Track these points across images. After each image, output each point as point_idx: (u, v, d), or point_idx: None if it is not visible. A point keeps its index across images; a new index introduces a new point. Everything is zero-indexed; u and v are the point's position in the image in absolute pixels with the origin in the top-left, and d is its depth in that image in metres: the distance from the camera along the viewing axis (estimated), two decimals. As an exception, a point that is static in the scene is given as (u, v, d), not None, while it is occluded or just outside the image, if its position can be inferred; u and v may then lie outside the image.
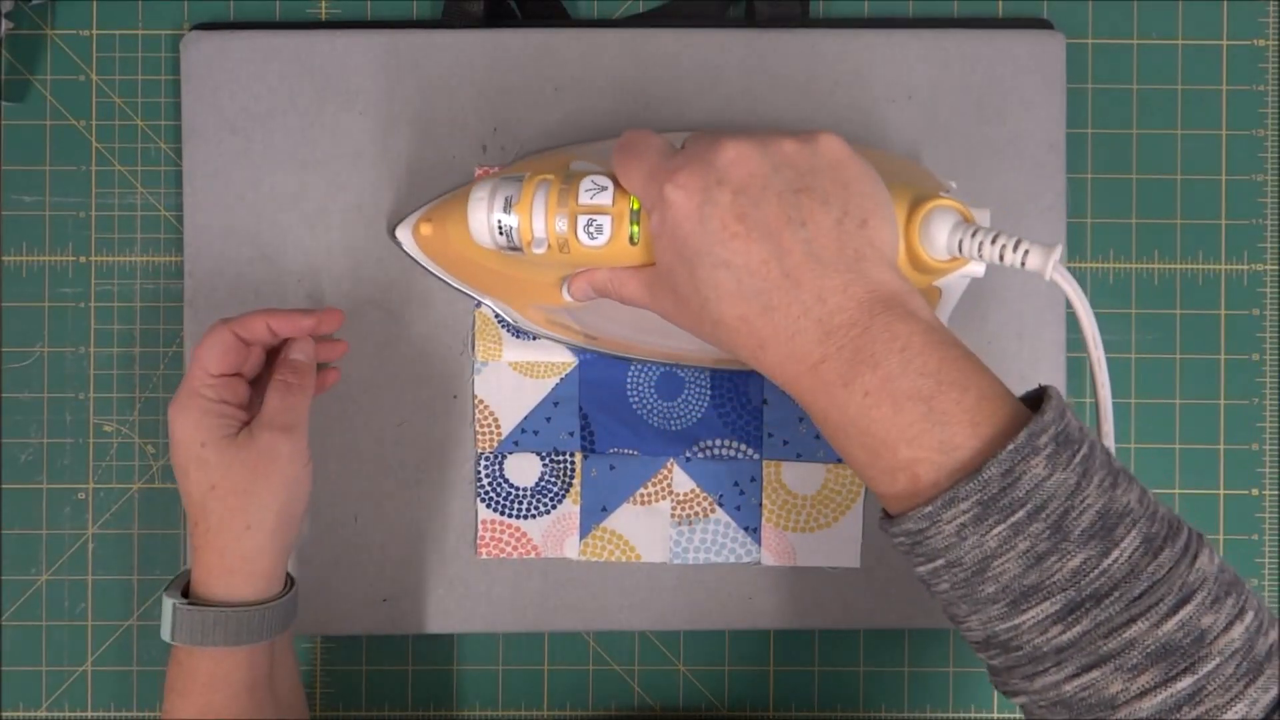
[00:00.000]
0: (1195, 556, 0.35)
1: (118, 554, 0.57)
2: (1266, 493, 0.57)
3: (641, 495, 0.55)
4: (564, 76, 0.55)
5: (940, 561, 0.37)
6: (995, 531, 0.35)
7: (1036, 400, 0.39)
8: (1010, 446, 0.35)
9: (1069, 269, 0.56)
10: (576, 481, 0.55)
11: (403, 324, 0.55)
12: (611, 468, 0.55)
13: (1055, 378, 0.55)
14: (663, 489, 0.55)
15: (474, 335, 0.55)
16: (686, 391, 0.55)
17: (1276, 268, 0.58)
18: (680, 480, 0.55)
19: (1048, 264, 0.39)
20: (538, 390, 0.55)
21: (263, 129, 0.55)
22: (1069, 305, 0.40)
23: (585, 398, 0.55)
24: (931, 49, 0.55)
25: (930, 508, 0.36)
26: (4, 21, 0.56)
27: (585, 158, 0.48)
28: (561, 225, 0.43)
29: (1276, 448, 0.58)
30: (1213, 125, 0.58)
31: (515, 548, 0.55)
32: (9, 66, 0.57)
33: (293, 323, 0.49)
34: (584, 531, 0.55)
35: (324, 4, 0.58)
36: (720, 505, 0.55)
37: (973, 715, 0.57)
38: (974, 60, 0.55)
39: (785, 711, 0.57)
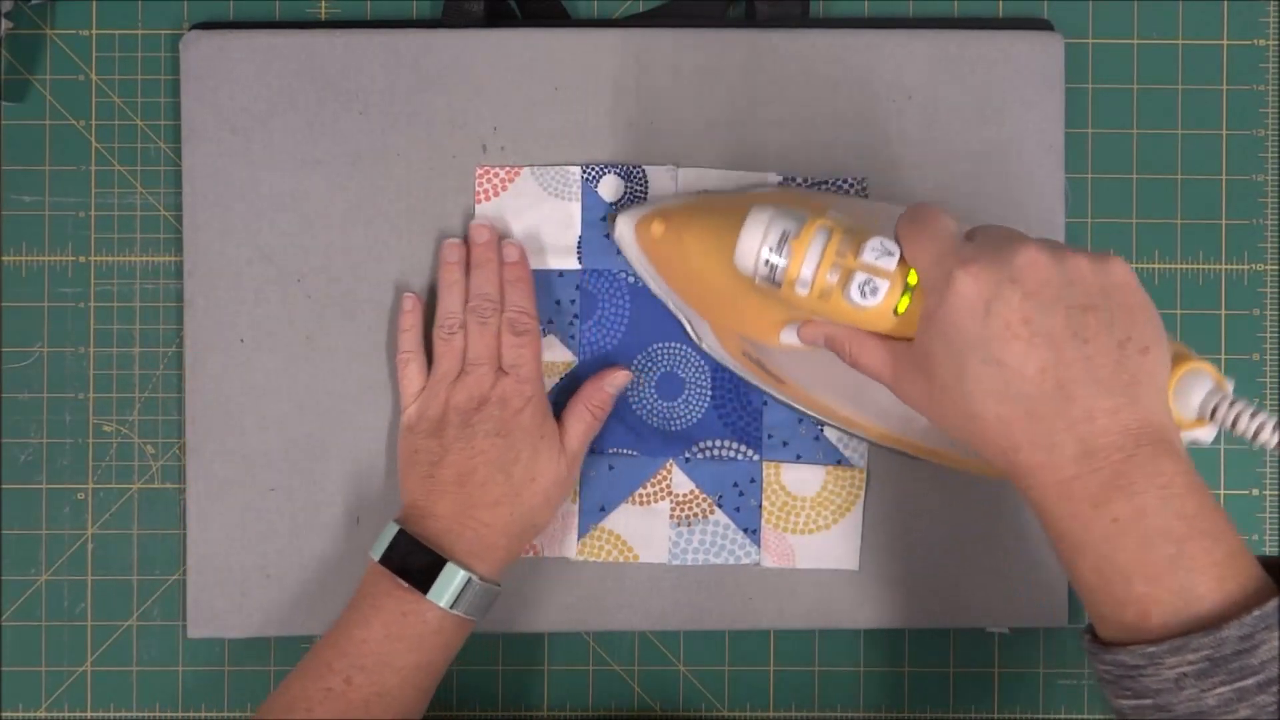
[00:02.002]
0: None
1: (117, 554, 0.57)
2: (1266, 493, 0.57)
3: (640, 495, 0.55)
4: (564, 76, 0.55)
5: (1148, 702, 0.36)
6: (1218, 692, 0.35)
7: (1275, 566, 0.38)
8: (1257, 612, 0.34)
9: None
10: (576, 481, 0.55)
11: (402, 324, 0.55)
12: (610, 468, 0.55)
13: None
14: (662, 489, 0.55)
15: (474, 335, 0.55)
16: (686, 392, 0.55)
17: (1276, 268, 0.58)
18: (679, 481, 0.55)
19: None
20: (538, 390, 0.55)
21: (263, 129, 0.55)
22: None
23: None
24: (931, 49, 0.55)
25: (1154, 649, 0.35)
26: (4, 21, 0.56)
27: (840, 210, 0.47)
28: (834, 276, 0.43)
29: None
30: (1213, 125, 0.58)
31: (515, 548, 0.55)
32: (9, 66, 0.57)
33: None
34: (582, 531, 0.55)
35: (324, 4, 0.58)
36: (719, 506, 0.55)
37: (973, 715, 0.57)
38: (974, 60, 0.55)
39: (785, 711, 0.57)
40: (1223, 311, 0.58)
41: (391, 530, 0.48)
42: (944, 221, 0.42)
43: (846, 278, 0.42)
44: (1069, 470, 0.38)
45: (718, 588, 0.55)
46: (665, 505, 0.55)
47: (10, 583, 0.57)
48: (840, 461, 0.55)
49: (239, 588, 0.55)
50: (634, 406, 0.55)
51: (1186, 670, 0.35)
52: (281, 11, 0.58)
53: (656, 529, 0.55)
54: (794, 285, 0.43)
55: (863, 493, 0.55)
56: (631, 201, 0.54)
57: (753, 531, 0.55)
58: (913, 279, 0.42)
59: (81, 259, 0.57)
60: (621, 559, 0.55)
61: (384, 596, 0.48)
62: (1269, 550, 0.57)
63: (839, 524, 0.55)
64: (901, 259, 0.42)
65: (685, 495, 0.55)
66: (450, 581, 0.47)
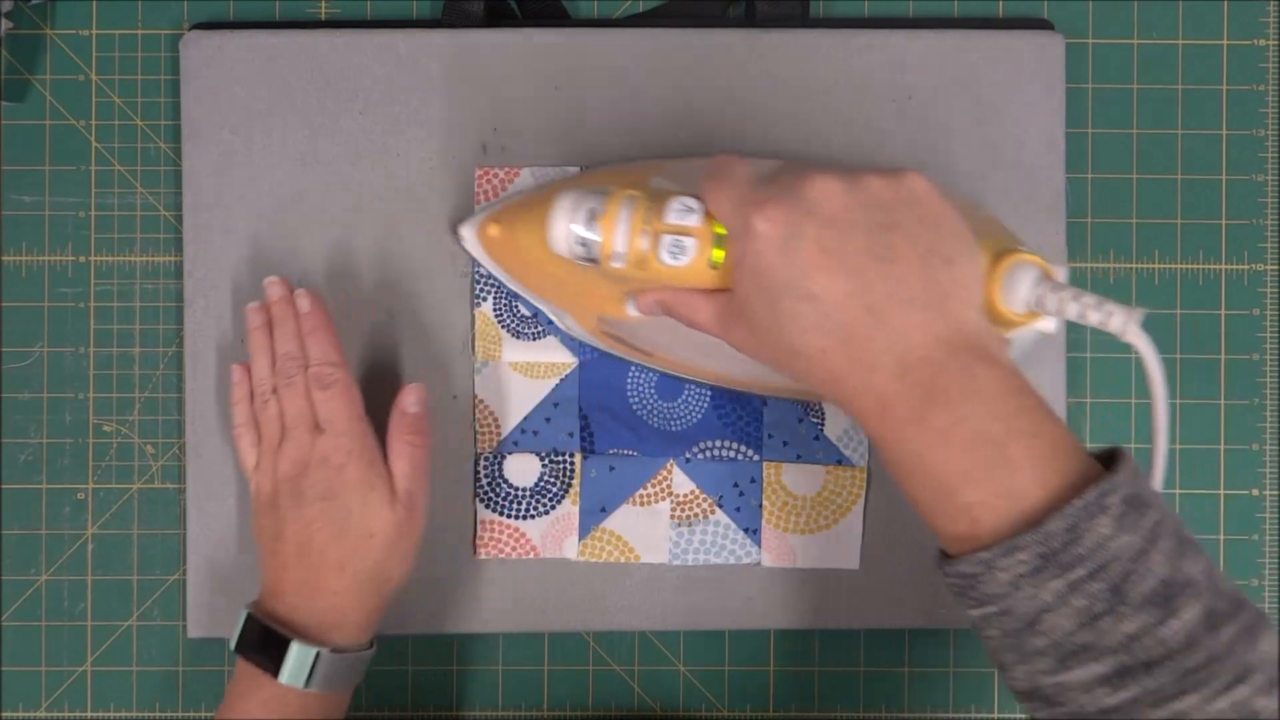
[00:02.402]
0: (1257, 637, 0.34)
1: (117, 554, 0.57)
2: (1267, 493, 0.57)
3: (641, 496, 0.55)
4: (564, 76, 0.55)
5: (992, 609, 0.36)
6: (1051, 586, 0.35)
7: (1108, 457, 0.38)
8: (1078, 502, 0.34)
9: (1069, 269, 0.56)
10: (576, 482, 0.55)
11: (403, 324, 0.55)
12: (611, 468, 0.55)
13: (1055, 378, 0.55)
14: (662, 490, 0.55)
15: (474, 335, 0.55)
16: (686, 392, 0.55)
17: (1276, 268, 0.58)
18: (680, 481, 0.55)
19: (1129, 325, 0.39)
20: (537, 391, 0.55)
21: (263, 129, 0.55)
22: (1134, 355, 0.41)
23: (585, 398, 0.55)
24: (931, 49, 0.55)
25: (987, 554, 0.35)
26: (4, 21, 0.56)
27: (664, 175, 0.48)
28: (644, 243, 0.43)
29: (1276, 448, 0.57)
30: (1213, 125, 0.58)
31: (514, 548, 0.55)
32: (9, 66, 0.57)
33: (329, 331, 0.51)
34: (583, 532, 0.55)
35: (324, 4, 0.58)
36: (720, 506, 0.55)
37: (973, 715, 0.57)
38: (974, 60, 0.55)
39: (785, 711, 0.57)
40: (1223, 311, 0.58)
41: (242, 616, 0.48)
42: (740, 169, 0.42)
43: (656, 241, 0.43)
44: (888, 389, 0.38)
45: (718, 588, 0.55)
46: (666, 505, 0.55)
47: (10, 583, 0.57)
48: (840, 461, 0.55)
49: (239, 588, 0.55)
50: (634, 407, 0.55)
51: (1021, 571, 0.35)
52: (281, 11, 0.58)
53: (657, 529, 0.55)
54: (609, 260, 0.44)
55: (863, 493, 0.55)
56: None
57: (753, 531, 0.55)
58: (721, 230, 0.42)
59: (81, 259, 0.57)
60: (622, 560, 0.55)
61: (246, 682, 0.47)
62: (1269, 553, 0.57)
63: (839, 524, 0.55)
64: (708, 214, 0.43)
65: (686, 495, 0.55)
66: (300, 661, 0.46)
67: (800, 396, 0.54)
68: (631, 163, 0.54)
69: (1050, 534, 0.34)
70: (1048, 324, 0.42)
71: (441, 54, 0.55)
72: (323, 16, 0.58)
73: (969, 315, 0.38)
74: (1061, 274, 0.43)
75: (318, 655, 0.46)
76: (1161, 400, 0.40)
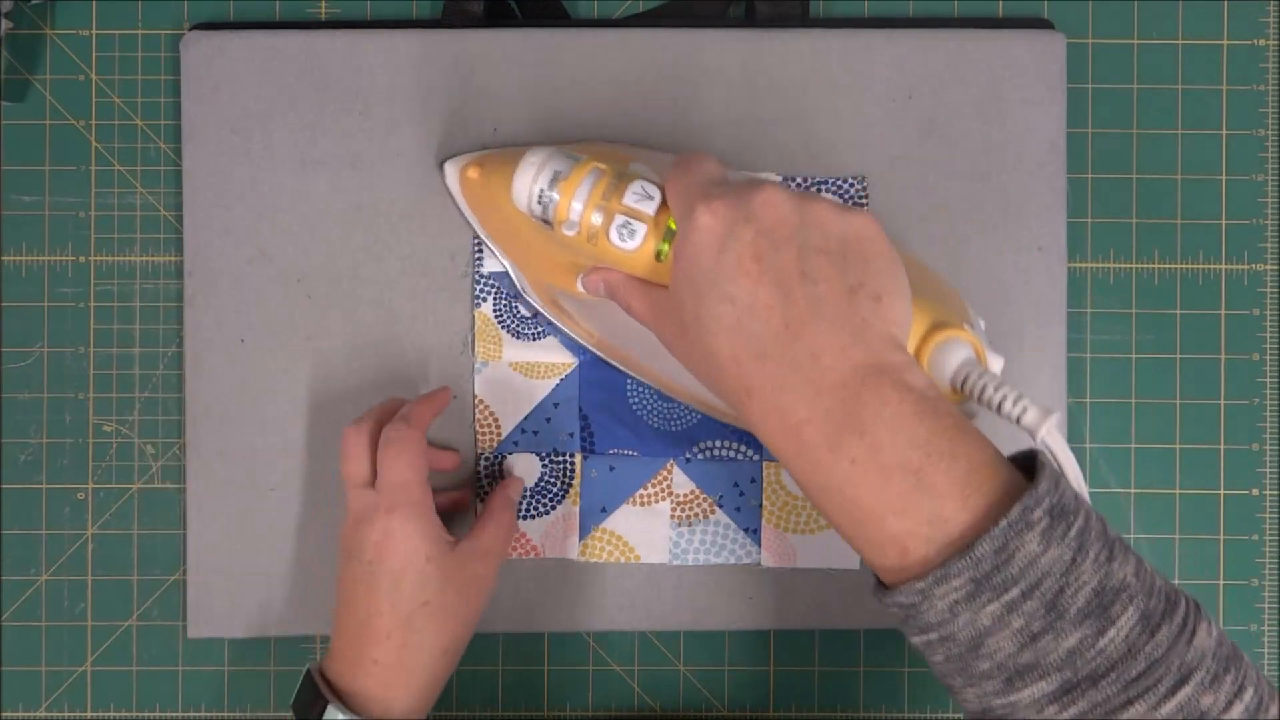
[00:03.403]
0: (1194, 632, 0.34)
1: (117, 554, 0.57)
2: (1266, 493, 0.57)
3: (641, 496, 0.55)
4: (564, 76, 0.55)
5: (934, 635, 0.36)
6: (988, 610, 0.34)
7: (1028, 461, 0.38)
8: (1003, 522, 0.34)
9: (1070, 269, 0.56)
10: (576, 482, 0.55)
11: (403, 324, 0.55)
12: (611, 468, 0.55)
13: (1055, 377, 0.55)
14: (662, 490, 0.55)
15: (474, 336, 0.55)
16: (686, 392, 0.55)
17: (1276, 268, 0.58)
18: (680, 481, 0.55)
19: (1041, 428, 0.38)
20: (538, 391, 0.55)
21: (263, 129, 0.55)
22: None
23: (585, 398, 0.55)
24: (931, 49, 0.55)
25: (921, 584, 0.35)
26: (4, 21, 0.56)
27: (647, 163, 0.48)
28: (598, 218, 0.44)
29: (1276, 448, 0.58)
30: (1213, 125, 0.58)
31: (515, 548, 0.55)
32: (9, 66, 0.57)
33: (434, 403, 0.51)
34: (584, 532, 0.55)
35: (324, 4, 0.58)
36: (720, 506, 0.55)
37: (973, 715, 0.57)
38: (974, 60, 0.55)
39: (785, 711, 0.57)
40: (1223, 311, 0.58)
41: (303, 672, 0.47)
42: (706, 166, 0.42)
43: (610, 220, 0.43)
44: (800, 413, 0.37)
45: (718, 588, 0.55)
46: (666, 506, 0.55)
47: (10, 583, 0.57)
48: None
49: (239, 588, 0.55)
50: (634, 407, 0.55)
51: (955, 597, 0.35)
52: (281, 11, 0.58)
53: (657, 529, 0.55)
54: (562, 226, 0.44)
55: (863, 493, 0.55)
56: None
57: (753, 531, 0.55)
58: (674, 225, 0.42)
59: (81, 259, 0.57)
60: (623, 560, 0.55)
61: None
62: (1269, 553, 0.57)
63: (839, 524, 0.55)
64: (664, 204, 0.43)
65: (686, 495, 0.55)
66: None
67: (727, 420, 0.54)
68: (619, 143, 0.54)
69: (980, 558, 0.34)
70: (966, 408, 0.42)
71: (441, 54, 0.55)
72: (323, 16, 0.58)
73: (889, 347, 0.38)
74: (996, 362, 0.43)
75: None
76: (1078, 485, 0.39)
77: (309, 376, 0.55)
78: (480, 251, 0.55)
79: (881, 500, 0.36)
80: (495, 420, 0.55)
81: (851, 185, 0.55)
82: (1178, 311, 0.58)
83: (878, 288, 0.38)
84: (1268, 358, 0.58)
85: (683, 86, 0.55)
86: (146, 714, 0.57)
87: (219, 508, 0.55)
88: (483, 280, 0.55)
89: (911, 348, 0.41)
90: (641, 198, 0.43)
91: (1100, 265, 0.58)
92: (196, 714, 0.57)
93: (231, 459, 0.55)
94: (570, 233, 0.44)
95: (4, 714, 0.56)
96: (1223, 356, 0.58)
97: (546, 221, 0.45)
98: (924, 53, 0.55)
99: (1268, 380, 0.58)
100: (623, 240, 0.43)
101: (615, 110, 0.55)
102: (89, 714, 0.57)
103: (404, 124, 0.55)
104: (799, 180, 0.55)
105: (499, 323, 0.55)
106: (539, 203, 0.45)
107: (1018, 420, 0.39)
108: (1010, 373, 0.55)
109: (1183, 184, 0.58)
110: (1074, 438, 0.57)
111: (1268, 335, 0.58)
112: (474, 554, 0.48)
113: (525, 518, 0.55)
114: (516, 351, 0.55)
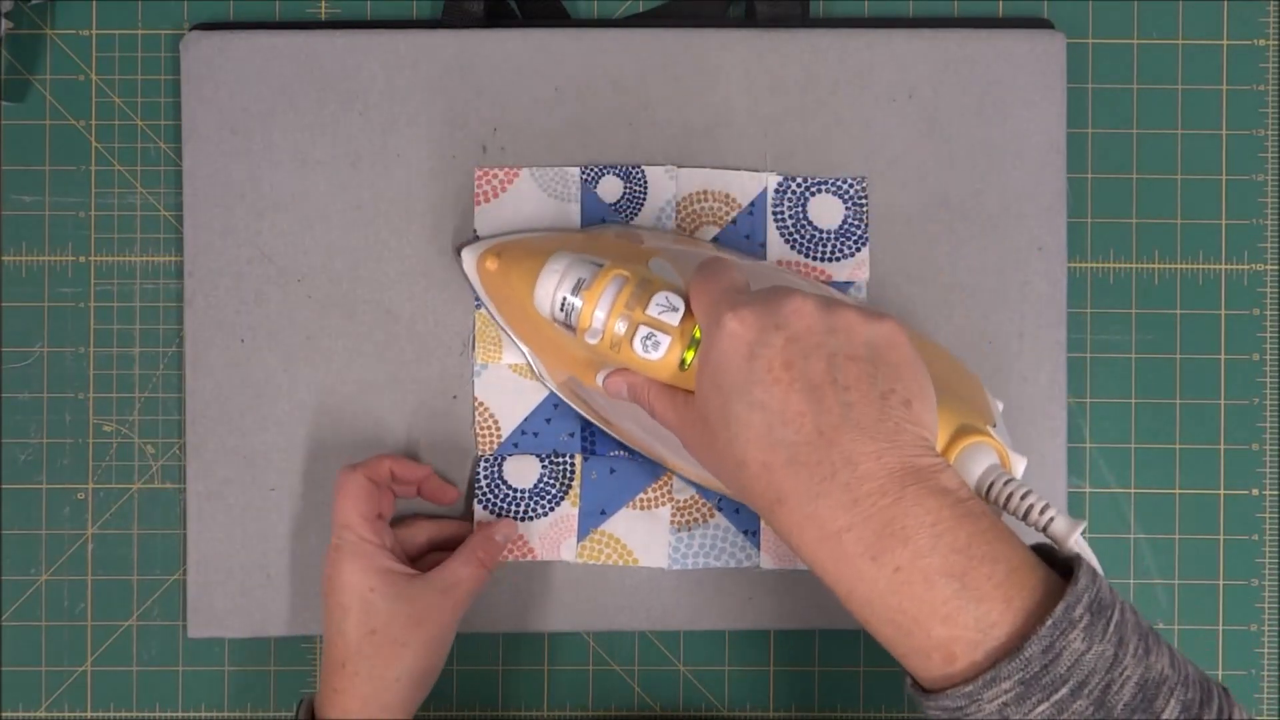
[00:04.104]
0: (1231, 718, 0.35)
1: (117, 554, 0.57)
2: (1266, 493, 0.57)
3: (641, 500, 0.55)
4: (564, 76, 0.55)
5: None
6: (1038, 710, 0.34)
7: (1048, 554, 0.38)
8: (1049, 621, 0.34)
9: (1070, 269, 0.56)
10: (576, 484, 0.55)
11: (403, 324, 0.55)
12: (612, 471, 0.55)
13: (1056, 378, 0.55)
14: (663, 494, 0.55)
15: (474, 337, 0.55)
16: (686, 392, 0.55)
17: (1276, 268, 0.58)
18: (680, 486, 0.55)
19: (1070, 537, 0.39)
20: (538, 392, 0.55)
21: (263, 129, 0.55)
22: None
23: (585, 398, 0.55)
24: (931, 49, 0.55)
25: (970, 687, 0.35)
26: (4, 21, 0.56)
27: (665, 258, 0.48)
28: (621, 327, 0.44)
29: (1276, 448, 0.58)
30: (1213, 125, 0.58)
31: (512, 550, 0.55)
32: (9, 66, 0.57)
33: (410, 471, 0.52)
34: (582, 534, 0.55)
35: (324, 4, 0.58)
36: (719, 510, 0.55)
37: (972, 715, 0.57)
38: (974, 60, 0.55)
39: (785, 711, 0.57)
40: (1223, 311, 0.58)
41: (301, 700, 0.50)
42: (730, 274, 0.42)
43: (634, 329, 0.43)
44: (839, 521, 0.37)
45: (718, 588, 0.55)
46: (666, 510, 0.55)
47: (10, 583, 0.57)
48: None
49: (239, 588, 0.55)
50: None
51: (1005, 699, 0.35)
52: (281, 11, 0.58)
53: (656, 533, 0.55)
54: (585, 334, 0.44)
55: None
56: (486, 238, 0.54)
57: (752, 533, 0.55)
58: (699, 334, 0.42)
59: (81, 259, 0.57)
60: (621, 563, 0.55)
61: None
62: (1269, 554, 0.57)
63: (839, 524, 0.55)
64: (689, 313, 0.43)
65: (686, 501, 0.55)
66: None
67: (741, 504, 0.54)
68: (639, 232, 0.53)
69: (1029, 660, 0.34)
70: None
71: (441, 54, 0.55)
72: (323, 16, 0.58)
73: (922, 450, 0.38)
74: (1020, 465, 0.43)
75: None
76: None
77: (309, 376, 0.55)
78: (480, 251, 0.55)
79: (927, 607, 0.36)
80: (495, 422, 0.55)
81: (851, 185, 0.55)
82: (1178, 311, 0.58)
83: (907, 393, 0.38)
84: (1268, 358, 0.58)
85: (683, 86, 0.55)
86: (146, 714, 0.57)
87: (219, 508, 0.55)
88: (483, 280, 0.55)
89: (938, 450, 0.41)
90: (666, 309, 0.43)
91: (1100, 265, 0.58)
92: (196, 714, 0.57)
93: (231, 459, 0.55)
94: (594, 340, 0.44)
95: (4, 714, 0.56)
96: (1223, 356, 0.58)
97: (569, 327, 0.45)
98: (924, 53, 0.55)
99: (1268, 380, 0.58)
100: (647, 351, 0.43)
101: (615, 110, 0.55)
102: (89, 714, 0.57)
103: (404, 124, 0.55)
104: (799, 180, 0.55)
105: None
106: (561, 310, 0.45)
107: (1044, 529, 0.39)
108: (1011, 371, 0.55)
109: (1183, 184, 0.58)
110: (1074, 438, 0.57)
111: (1268, 335, 0.58)
112: (434, 587, 0.49)
113: (522, 519, 0.55)
114: (516, 353, 0.55)
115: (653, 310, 0.43)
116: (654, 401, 0.45)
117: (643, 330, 0.43)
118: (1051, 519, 0.39)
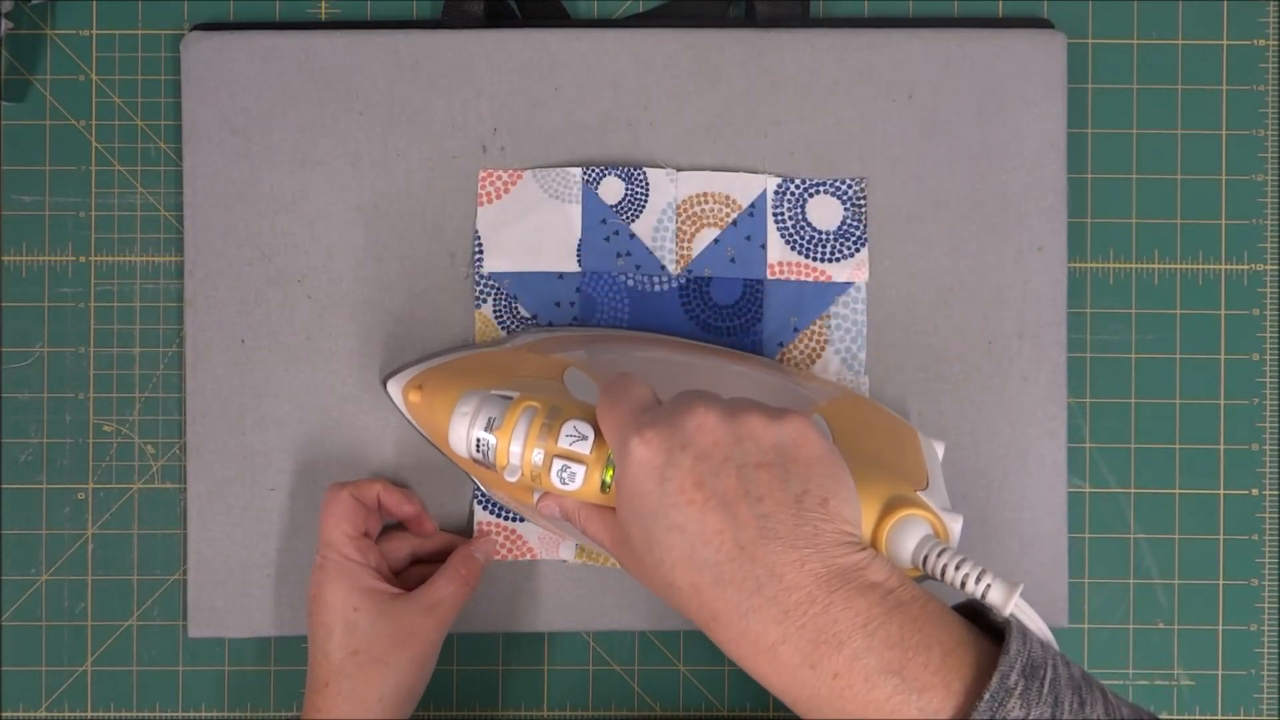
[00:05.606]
0: None
1: (118, 554, 0.57)
2: (1266, 493, 0.57)
3: (641, 496, 0.55)
4: (564, 76, 0.55)
5: None
6: None
7: (971, 612, 0.38)
8: (986, 696, 0.34)
9: (1070, 269, 0.56)
10: (576, 482, 0.55)
11: (403, 324, 0.55)
12: (611, 468, 0.55)
13: (1055, 378, 0.55)
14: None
15: (474, 337, 0.55)
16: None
17: (1276, 268, 0.58)
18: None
19: (1008, 602, 0.38)
20: (537, 391, 0.55)
21: (263, 129, 0.55)
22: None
23: (585, 398, 0.55)
24: (931, 49, 0.55)
25: None
26: (4, 21, 0.56)
27: (579, 369, 0.48)
28: (539, 457, 0.43)
29: (1276, 448, 0.58)
30: (1213, 125, 0.58)
31: (510, 550, 0.55)
32: (9, 66, 0.57)
33: (399, 505, 0.53)
34: (584, 532, 0.55)
35: (324, 4, 0.58)
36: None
37: (972, 715, 0.57)
38: (974, 60, 0.55)
39: (785, 712, 0.57)
40: (1223, 311, 0.58)
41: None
42: (635, 391, 0.42)
43: (549, 461, 0.43)
44: (772, 635, 0.36)
45: (718, 588, 0.55)
46: (665, 505, 0.55)
47: (10, 583, 0.57)
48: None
49: (239, 588, 0.55)
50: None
51: None
52: (281, 11, 0.58)
53: (656, 529, 0.55)
54: (505, 472, 0.44)
55: (863, 493, 0.55)
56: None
57: (753, 532, 0.55)
58: (611, 454, 0.42)
59: (81, 259, 0.57)
60: (618, 564, 0.55)
61: None
62: (1269, 553, 0.57)
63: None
64: (599, 439, 0.43)
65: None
66: None
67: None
68: (557, 337, 0.53)
69: None
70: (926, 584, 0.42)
71: (441, 54, 0.55)
72: (323, 17, 0.58)
73: (843, 549, 0.38)
74: (955, 523, 0.43)
75: None
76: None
77: (309, 376, 0.55)
78: (481, 252, 0.55)
79: (871, 707, 0.36)
80: (495, 420, 0.55)
81: (850, 186, 0.55)
82: (1178, 311, 0.58)
83: (823, 491, 0.38)
84: (1268, 358, 0.58)
85: (683, 86, 0.55)
86: (146, 714, 0.57)
87: (219, 508, 0.55)
88: (483, 280, 0.55)
89: (867, 532, 0.41)
90: (576, 438, 0.43)
91: (1100, 265, 0.58)
92: (196, 714, 0.57)
93: (231, 459, 0.55)
94: (513, 478, 0.44)
95: (4, 714, 0.56)
96: (1223, 356, 0.58)
97: (489, 466, 0.45)
98: (924, 53, 0.55)
99: (1268, 380, 0.58)
100: (565, 484, 0.43)
101: (615, 110, 0.55)
102: (89, 714, 0.57)
103: (404, 124, 0.55)
104: (799, 180, 0.55)
105: (499, 323, 0.55)
106: (479, 450, 0.45)
107: (982, 597, 0.39)
108: (1011, 370, 0.55)
109: (1183, 184, 0.58)
110: (1074, 438, 0.57)
111: (1268, 335, 0.58)
112: (418, 606, 0.50)
113: (521, 519, 0.55)
114: (516, 352, 0.55)
115: (564, 442, 0.43)
116: (585, 523, 0.44)
117: (557, 464, 0.43)
118: (988, 585, 0.39)
